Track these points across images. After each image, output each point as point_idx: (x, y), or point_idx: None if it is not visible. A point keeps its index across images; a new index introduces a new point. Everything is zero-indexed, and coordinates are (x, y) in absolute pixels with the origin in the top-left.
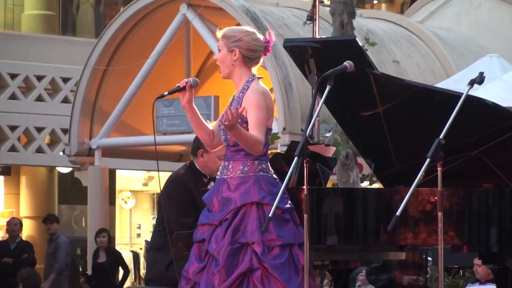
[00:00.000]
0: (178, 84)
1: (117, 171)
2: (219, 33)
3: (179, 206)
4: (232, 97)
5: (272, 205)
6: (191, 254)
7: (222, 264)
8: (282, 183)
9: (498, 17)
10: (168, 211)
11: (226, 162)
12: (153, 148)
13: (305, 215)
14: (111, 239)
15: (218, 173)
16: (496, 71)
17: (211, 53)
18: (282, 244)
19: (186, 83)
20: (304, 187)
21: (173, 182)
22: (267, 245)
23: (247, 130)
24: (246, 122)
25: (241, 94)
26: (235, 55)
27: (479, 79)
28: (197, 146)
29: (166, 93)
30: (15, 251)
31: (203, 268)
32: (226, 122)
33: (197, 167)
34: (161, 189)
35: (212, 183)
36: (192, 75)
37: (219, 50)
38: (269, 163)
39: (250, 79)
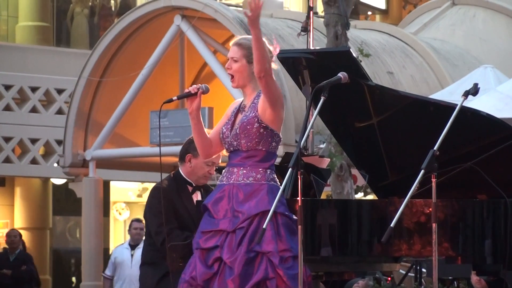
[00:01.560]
0: (189, 90)
1: (111, 183)
2: (235, 42)
3: (159, 215)
4: (238, 106)
5: (286, 215)
6: (194, 260)
7: (238, 273)
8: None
9: (493, 28)
10: (149, 221)
11: (235, 169)
12: (147, 159)
13: (299, 226)
14: None
15: (223, 179)
16: (490, 82)
17: (205, 64)
18: (293, 255)
19: (198, 89)
20: (299, 198)
21: (153, 192)
22: (280, 255)
23: (258, 133)
24: (264, 127)
25: (256, 100)
26: (253, 66)
27: (474, 90)
28: (185, 150)
29: (175, 98)
30: (14, 262)
31: (213, 274)
32: (250, 14)
33: (183, 174)
34: (146, 201)
35: (198, 193)
36: (186, 86)
37: (235, 61)
38: None
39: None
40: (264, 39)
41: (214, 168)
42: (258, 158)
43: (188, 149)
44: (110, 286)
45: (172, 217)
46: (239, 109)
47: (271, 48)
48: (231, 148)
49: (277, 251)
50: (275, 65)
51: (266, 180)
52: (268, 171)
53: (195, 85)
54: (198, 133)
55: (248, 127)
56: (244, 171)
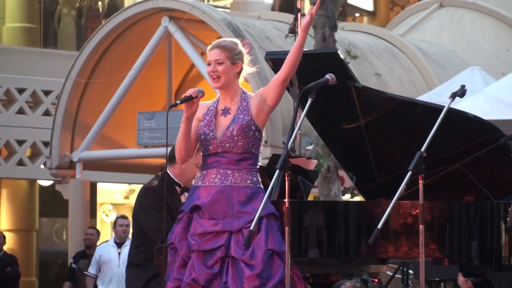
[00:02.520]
0: (190, 93)
1: (98, 184)
2: (216, 45)
3: (156, 213)
4: (215, 107)
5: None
6: (193, 263)
7: (261, 269)
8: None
9: (480, 30)
10: (146, 220)
11: (229, 171)
12: (134, 161)
13: (286, 228)
14: None
15: (215, 180)
16: (477, 84)
17: (192, 65)
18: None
19: (198, 93)
20: (286, 200)
21: (146, 191)
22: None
23: (253, 136)
24: (258, 131)
25: (244, 103)
26: (237, 67)
27: (461, 92)
28: (175, 152)
29: (178, 101)
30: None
31: (215, 275)
32: (308, 19)
33: (172, 175)
34: (135, 202)
35: (186, 194)
36: (174, 88)
37: (220, 63)
38: None
39: (245, 91)
40: (236, 40)
41: None
42: (252, 161)
43: None
44: (94, 285)
45: (169, 216)
46: (222, 111)
47: (243, 49)
48: (220, 150)
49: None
50: (252, 68)
51: (259, 184)
52: (258, 174)
53: (193, 89)
54: (187, 136)
55: (247, 129)
56: (240, 174)
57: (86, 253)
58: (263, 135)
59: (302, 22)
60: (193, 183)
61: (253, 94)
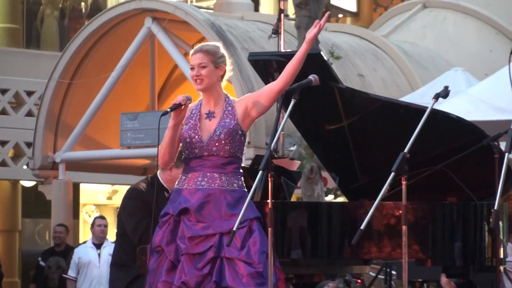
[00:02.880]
0: (179, 101)
1: (81, 185)
2: (199, 49)
3: (137, 213)
4: (198, 110)
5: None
6: (182, 266)
7: (263, 269)
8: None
9: (463, 31)
10: (126, 220)
11: (216, 174)
12: (117, 162)
13: (269, 229)
14: None
15: (202, 183)
16: (461, 85)
17: (175, 66)
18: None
19: (187, 100)
20: (269, 201)
21: (131, 193)
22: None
23: (240, 141)
24: (244, 135)
25: (230, 108)
26: (221, 70)
27: (444, 93)
28: None
29: (168, 109)
30: None
31: (205, 276)
32: (315, 31)
33: (161, 180)
34: (121, 202)
35: None
36: (157, 89)
37: (204, 67)
38: None
39: (227, 95)
40: (219, 44)
41: None
42: (237, 165)
43: None
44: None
45: (149, 217)
46: (206, 114)
47: (225, 52)
48: (206, 153)
49: (276, 255)
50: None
51: (244, 188)
52: (242, 178)
53: (182, 96)
54: (173, 142)
55: (234, 133)
56: (227, 177)
57: (55, 250)
58: (246, 136)
59: (309, 33)
60: (175, 185)
61: (237, 99)
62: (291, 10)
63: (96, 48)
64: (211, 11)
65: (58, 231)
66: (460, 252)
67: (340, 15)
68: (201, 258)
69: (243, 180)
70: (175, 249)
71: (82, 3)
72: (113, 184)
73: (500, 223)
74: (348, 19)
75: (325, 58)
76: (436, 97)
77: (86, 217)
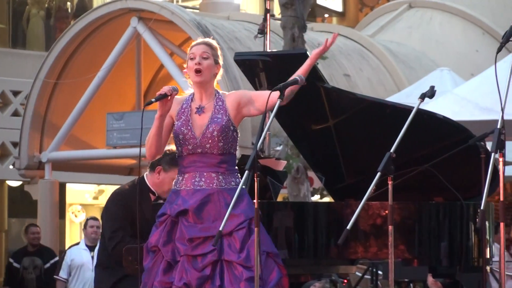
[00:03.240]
0: (164, 91)
1: (67, 185)
2: (202, 42)
3: (115, 220)
4: (189, 105)
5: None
6: (182, 267)
7: (260, 271)
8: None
9: (449, 31)
10: (105, 224)
11: (213, 174)
12: (103, 162)
13: (255, 229)
14: None
15: (200, 183)
16: (447, 85)
17: (161, 66)
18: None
19: (172, 91)
20: (255, 201)
21: (114, 197)
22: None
23: (232, 137)
24: (236, 131)
25: (220, 102)
26: (217, 68)
27: (430, 93)
28: (157, 161)
29: (153, 100)
30: None
31: (207, 278)
32: (322, 48)
33: (148, 183)
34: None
35: (161, 201)
36: (143, 89)
37: (206, 58)
38: None
39: (218, 91)
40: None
41: None
42: (231, 162)
43: (160, 161)
44: None
45: (128, 225)
46: (197, 109)
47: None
48: (199, 150)
49: (278, 253)
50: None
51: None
52: (239, 175)
53: (168, 87)
54: (159, 134)
55: (226, 130)
56: (224, 176)
57: (29, 250)
58: None
59: (315, 50)
60: (173, 186)
61: (226, 93)
62: (277, 10)
63: (82, 48)
64: (197, 11)
65: (36, 231)
66: (447, 252)
67: (326, 15)
68: (202, 260)
69: (238, 176)
70: (171, 250)
71: (68, 3)
72: (99, 184)
73: (487, 223)
74: (334, 19)
75: None
76: (422, 97)
77: (72, 217)
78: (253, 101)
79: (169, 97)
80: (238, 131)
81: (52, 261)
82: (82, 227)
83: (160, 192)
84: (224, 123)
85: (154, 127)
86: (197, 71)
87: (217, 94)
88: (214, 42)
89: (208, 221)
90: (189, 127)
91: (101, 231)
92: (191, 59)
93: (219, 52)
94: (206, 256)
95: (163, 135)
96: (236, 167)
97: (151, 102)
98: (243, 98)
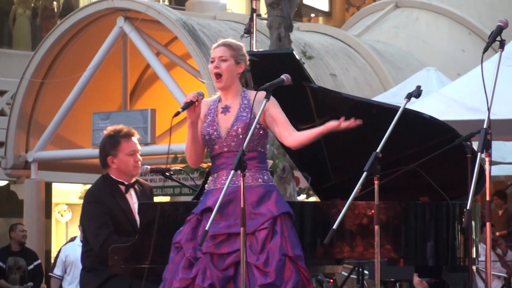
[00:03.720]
0: (190, 99)
1: (54, 184)
2: (221, 43)
3: (95, 219)
4: (216, 106)
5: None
6: (204, 266)
7: (275, 277)
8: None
9: (436, 30)
10: (86, 226)
11: (239, 172)
12: (89, 161)
13: (241, 229)
14: None
15: (224, 182)
16: (433, 84)
17: (148, 66)
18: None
19: (198, 96)
20: (241, 201)
21: (87, 197)
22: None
23: (258, 134)
24: (263, 129)
25: (246, 101)
26: (240, 68)
27: (416, 93)
28: (104, 156)
29: (180, 110)
30: None
31: (229, 278)
32: (336, 124)
33: (113, 177)
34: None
35: (132, 191)
36: (129, 88)
37: (224, 60)
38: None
39: (244, 90)
40: (242, 44)
41: (138, 154)
42: (259, 160)
43: (105, 153)
44: (60, 287)
45: (109, 220)
46: (222, 109)
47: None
48: (226, 149)
49: (302, 254)
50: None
51: (271, 182)
52: (268, 172)
53: (193, 93)
54: (195, 141)
55: (251, 127)
56: (251, 173)
57: (12, 250)
58: None
59: (329, 123)
60: (206, 187)
61: (254, 92)
62: (263, 10)
63: (68, 47)
64: (184, 10)
65: (24, 229)
66: (433, 252)
67: (313, 15)
68: (224, 260)
69: (269, 174)
70: (193, 247)
71: (54, 3)
72: (85, 183)
73: (473, 222)
74: (321, 19)
75: (297, 57)
76: (409, 96)
77: (59, 216)
78: (274, 122)
79: (196, 103)
80: (266, 129)
81: (35, 263)
82: (69, 228)
83: (127, 174)
84: (248, 121)
85: (188, 136)
86: (217, 76)
87: (243, 93)
88: (234, 42)
89: (232, 218)
90: (214, 127)
91: (82, 235)
92: (211, 62)
93: (241, 51)
94: (230, 255)
95: (200, 140)
96: (267, 165)
97: (178, 113)
98: (269, 109)
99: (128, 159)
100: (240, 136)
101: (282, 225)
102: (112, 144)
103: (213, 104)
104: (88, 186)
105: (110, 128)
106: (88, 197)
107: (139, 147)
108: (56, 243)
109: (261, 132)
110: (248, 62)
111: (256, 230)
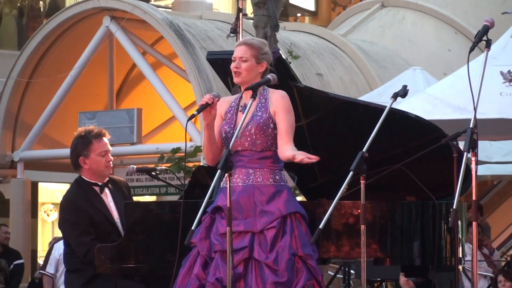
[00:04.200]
0: (205, 101)
1: (40, 184)
2: (243, 42)
3: (75, 227)
4: (237, 104)
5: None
6: (217, 263)
7: (287, 277)
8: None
9: (422, 30)
10: (67, 234)
11: (251, 170)
12: None
13: (227, 228)
14: None
15: (237, 180)
16: (419, 84)
17: (134, 65)
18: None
19: (213, 98)
20: (227, 200)
21: (64, 205)
22: (315, 258)
23: (273, 134)
24: (275, 126)
25: (263, 100)
26: (262, 67)
27: (403, 92)
28: (76, 156)
29: (196, 112)
30: None
31: (239, 276)
32: (301, 158)
33: (85, 178)
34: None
35: (106, 190)
36: (115, 88)
37: (245, 60)
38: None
39: (265, 88)
40: (265, 41)
41: (110, 153)
42: (273, 159)
43: (76, 153)
44: (52, 285)
45: (88, 225)
46: (242, 107)
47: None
48: (239, 148)
49: (313, 254)
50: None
51: (284, 182)
52: (282, 172)
53: (208, 95)
54: (212, 141)
55: (265, 127)
56: (262, 172)
57: None
58: None
59: (299, 156)
60: (221, 184)
61: (275, 90)
62: (249, 9)
63: (55, 47)
64: (170, 10)
65: (7, 231)
66: (419, 252)
67: (299, 14)
68: (235, 256)
69: (283, 174)
70: (208, 246)
71: (41, 2)
72: (71, 183)
73: (459, 222)
74: (307, 18)
75: (284, 57)
76: (395, 96)
77: (45, 216)
78: (278, 129)
79: (212, 105)
80: None
81: (15, 263)
82: (55, 227)
83: (100, 175)
84: (262, 121)
85: (204, 136)
86: (236, 73)
87: (262, 91)
88: (255, 41)
89: (241, 217)
90: (232, 126)
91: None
92: (233, 60)
93: (263, 50)
94: (238, 253)
95: (217, 138)
96: (281, 165)
97: (193, 116)
98: (277, 111)
99: (100, 159)
100: (254, 136)
101: (292, 224)
102: (83, 144)
103: (234, 101)
104: None
105: (80, 129)
106: (64, 205)
107: (110, 147)
108: (43, 243)
109: (275, 131)
110: (271, 60)
111: (264, 228)
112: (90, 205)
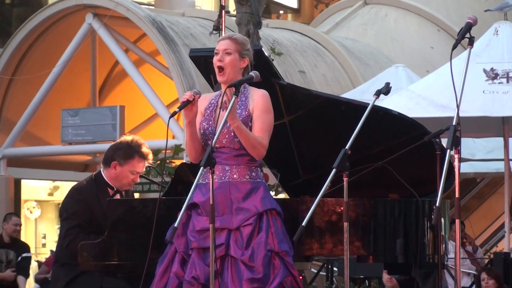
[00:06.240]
0: (186, 98)
1: (23, 181)
2: (227, 37)
3: (72, 217)
4: (216, 101)
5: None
6: (193, 260)
7: (263, 274)
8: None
9: (404, 27)
10: (62, 220)
11: (227, 167)
12: (58, 158)
13: (210, 225)
14: None
15: (214, 177)
16: (402, 81)
17: (116, 62)
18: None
19: (194, 95)
20: (210, 197)
21: (71, 193)
22: (291, 255)
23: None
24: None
25: (243, 98)
26: (244, 63)
27: (385, 90)
28: (111, 156)
29: (177, 110)
30: None
31: (217, 273)
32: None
33: (105, 178)
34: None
35: (117, 195)
36: (98, 85)
37: (229, 53)
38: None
39: (245, 85)
40: (247, 39)
41: (138, 176)
42: (250, 157)
43: (114, 156)
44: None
45: (86, 222)
46: (220, 104)
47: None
48: (217, 145)
49: (289, 251)
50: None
51: (260, 178)
52: (259, 169)
53: (189, 92)
54: (194, 138)
55: (244, 125)
56: (239, 169)
57: (4, 242)
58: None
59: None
60: (200, 181)
61: (254, 89)
62: (232, 7)
63: (37, 44)
64: (152, 7)
65: (19, 223)
66: (402, 249)
67: (281, 12)
68: (209, 254)
69: (259, 170)
70: (185, 243)
71: None
72: (54, 180)
73: (442, 219)
74: (289, 16)
75: (266, 54)
76: (378, 93)
77: (28, 213)
78: (253, 127)
79: (193, 102)
80: None
81: (23, 255)
82: (38, 225)
83: (119, 185)
84: (241, 118)
85: (186, 134)
86: (220, 69)
87: (243, 89)
88: (239, 36)
89: (217, 214)
90: (210, 122)
91: (60, 230)
92: (216, 54)
93: (246, 46)
94: (214, 250)
95: (199, 136)
96: (258, 162)
97: (175, 113)
98: (256, 109)
99: (129, 175)
100: (232, 133)
101: (268, 221)
102: (126, 153)
103: (215, 98)
104: (57, 183)
105: (135, 137)
106: (73, 193)
107: (143, 170)
108: (25, 240)
109: (249, 125)
110: (252, 58)
111: (240, 225)
112: (97, 203)
